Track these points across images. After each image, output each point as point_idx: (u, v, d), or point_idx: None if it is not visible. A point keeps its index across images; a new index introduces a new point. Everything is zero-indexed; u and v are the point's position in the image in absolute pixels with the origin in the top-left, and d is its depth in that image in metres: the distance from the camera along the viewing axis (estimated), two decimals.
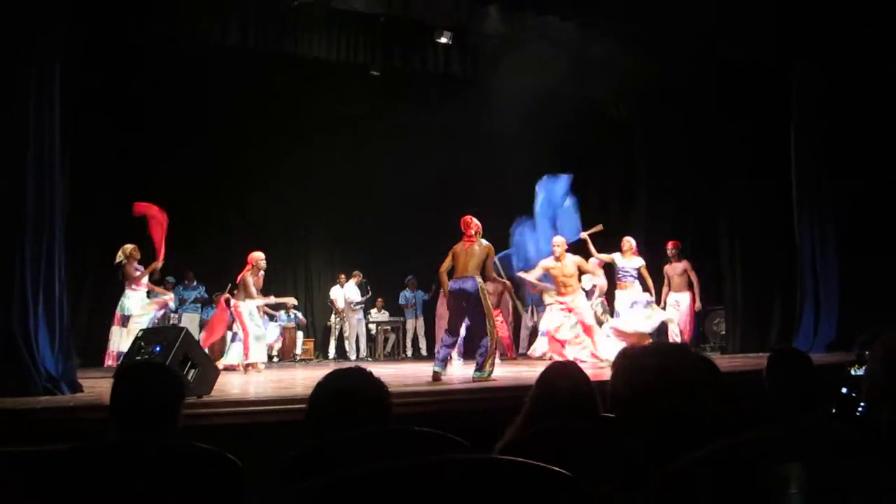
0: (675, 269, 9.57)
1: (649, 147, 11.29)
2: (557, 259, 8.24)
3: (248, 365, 8.60)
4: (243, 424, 4.63)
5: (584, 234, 9.17)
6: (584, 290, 9.21)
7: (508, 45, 9.37)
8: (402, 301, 12.87)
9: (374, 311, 12.74)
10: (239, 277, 8.87)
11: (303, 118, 11.56)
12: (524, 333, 12.42)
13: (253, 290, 8.75)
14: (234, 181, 11.78)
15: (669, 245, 9.78)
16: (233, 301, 8.87)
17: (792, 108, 9.39)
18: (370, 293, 12.39)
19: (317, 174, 12.30)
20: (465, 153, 12.25)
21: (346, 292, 12.27)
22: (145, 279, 8.67)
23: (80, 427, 4.27)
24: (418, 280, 12.86)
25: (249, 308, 8.71)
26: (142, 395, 2.22)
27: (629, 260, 8.87)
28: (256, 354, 8.75)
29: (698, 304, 9.69)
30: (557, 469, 1.29)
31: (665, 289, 9.63)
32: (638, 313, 8.64)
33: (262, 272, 8.98)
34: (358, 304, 12.16)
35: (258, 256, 8.91)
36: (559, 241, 8.30)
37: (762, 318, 9.83)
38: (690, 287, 9.65)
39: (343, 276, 12.48)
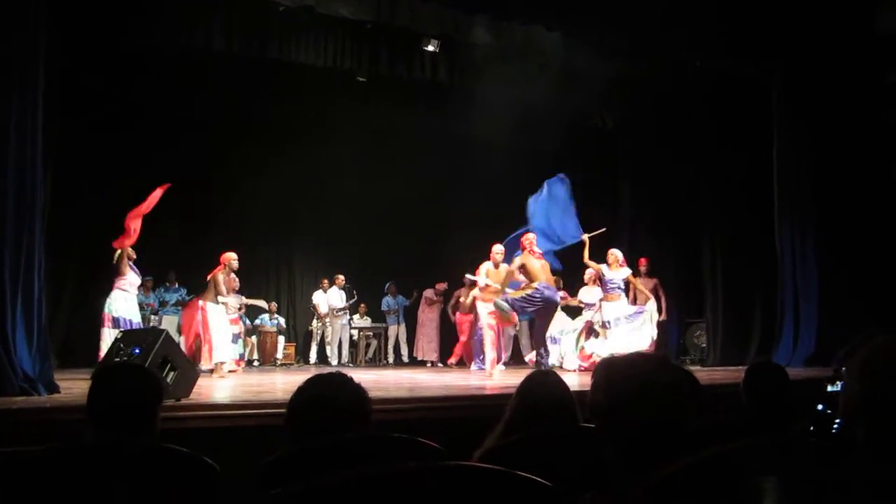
0: (646, 285, 9.61)
1: (632, 157, 11.36)
2: (496, 266, 8.62)
3: (217, 365, 8.52)
4: (222, 428, 4.60)
5: (585, 237, 9.19)
6: (585, 303, 9.56)
7: (495, 54, 9.42)
8: (384, 307, 12.85)
9: (356, 316, 12.71)
10: (209, 276, 8.81)
11: (288, 124, 11.54)
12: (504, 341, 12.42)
13: (223, 289, 8.70)
14: (218, 185, 11.72)
15: (642, 262, 9.94)
16: (200, 301, 8.80)
17: (773, 119, 9.49)
18: (355, 298, 12.36)
19: (301, 179, 12.28)
20: (450, 160, 12.28)
21: (329, 297, 12.23)
22: (138, 280, 8.55)
23: (57, 428, 4.22)
24: (400, 286, 12.85)
25: (217, 309, 8.66)
26: (119, 397, 2.20)
27: (616, 272, 8.90)
28: (222, 355, 8.66)
29: (663, 315, 9.69)
30: (535, 478, 1.30)
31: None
32: (623, 329, 8.69)
33: (233, 273, 8.95)
34: (340, 309, 12.13)
35: (230, 256, 8.86)
36: (499, 249, 8.72)
37: (742, 331, 9.93)
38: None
39: (326, 281, 12.46)
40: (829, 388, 3.64)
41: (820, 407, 2.01)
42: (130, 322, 8.27)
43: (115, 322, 8.21)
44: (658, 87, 10.20)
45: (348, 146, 12.03)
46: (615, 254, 8.95)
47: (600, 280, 9.18)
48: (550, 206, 9.32)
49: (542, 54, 9.29)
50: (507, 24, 8.98)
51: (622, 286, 8.90)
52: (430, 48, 9.34)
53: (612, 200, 11.77)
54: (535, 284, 8.39)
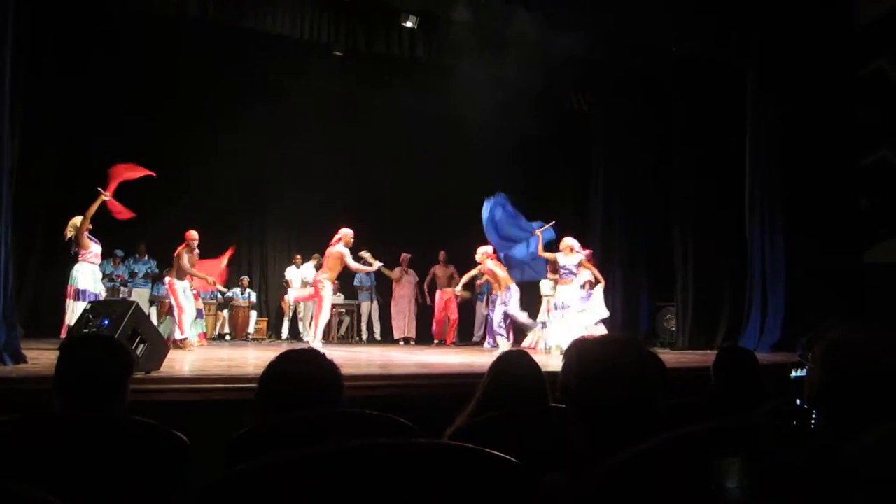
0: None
1: (606, 141, 11.41)
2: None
3: (180, 341, 8.60)
4: (192, 402, 4.59)
5: (537, 231, 9.62)
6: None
7: (473, 32, 9.37)
8: (356, 283, 12.80)
9: None
10: (175, 253, 9.09)
11: (263, 96, 11.38)
12: (478, 320, 12.53)
13: (187, 265, 8.96)
14: (190, 155, 11.52)
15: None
16: (167, 278, 9.16)
17: (747, 106, 9.58)
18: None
19: (276, 152, 12.16)
20: (426, 138, 12.22)
21: (302, 273, 12.17)
22: (98, 249, 8.50)
23: (23, 399, 4.17)
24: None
25: (184, 285, 8.96)
26: (88, 369, 2.17)
27: (569, 257, 9.21)
28: (189, 331, 8.93)
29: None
30: (504, 456, 1.31)
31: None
32: (575, 310, 9.10)
33: (196, 251, 9.19)
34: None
35: (193, 235, 9.15)
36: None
37: (711, 316, 10.06)
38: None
39: (299, 256, 12.39)
40: (794, 374, 3.72)
41: (798, 402, 2.06)
42: (95, 295, 8.22)
43: (79, 294, 8.16)
44: (634, 71, 10.24)
45: (324, 121, 11.92)
46: (567, 241, 9.31)
47: (555, 267, 9.60)
48: (499, 223, 9.79)
49: (521, 34, 9.25)
50: (486, 2, 8.93)
51: (575, 271, 9.21)
52: (409, 24, 9.27)
53: (586, 184, 11.83)
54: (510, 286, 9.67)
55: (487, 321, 10.93)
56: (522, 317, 9.80)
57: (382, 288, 12.79)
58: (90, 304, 6.30)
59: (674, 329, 10.59)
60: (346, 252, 8.94)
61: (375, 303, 12.81)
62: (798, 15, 9.04)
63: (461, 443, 1.37)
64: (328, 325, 12.51)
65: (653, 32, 8.96)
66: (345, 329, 12.83)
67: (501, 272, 9.72)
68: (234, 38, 9.76)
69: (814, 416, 1.83)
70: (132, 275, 11.30)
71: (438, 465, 1.27)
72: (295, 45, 9.61)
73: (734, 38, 9.22)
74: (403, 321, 12.27)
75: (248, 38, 9.59)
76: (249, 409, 2.15)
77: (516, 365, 2.67)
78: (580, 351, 1.66)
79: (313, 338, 8.90)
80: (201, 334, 9.91)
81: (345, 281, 12.85)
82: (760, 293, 9.38)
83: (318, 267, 12.16)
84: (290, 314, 12.46)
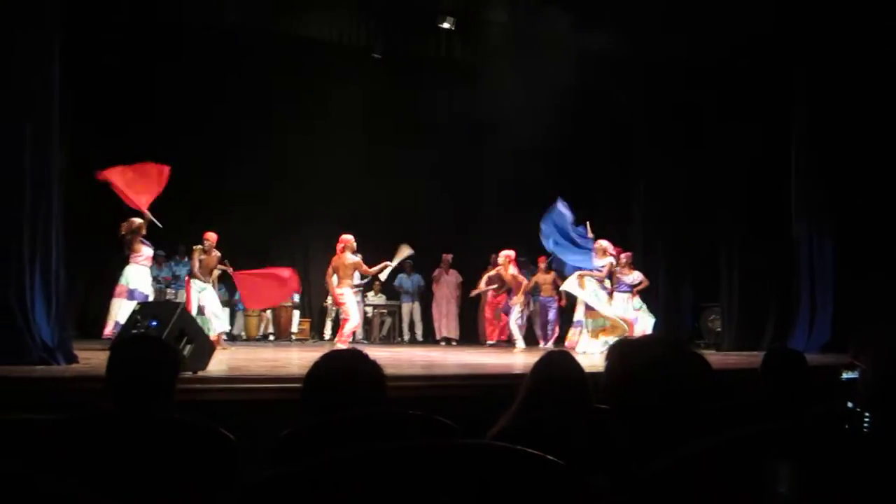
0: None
1: (647, 139, 11.24)
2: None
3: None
4: (238, 401, 4.65)
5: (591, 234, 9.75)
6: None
7: (510, 33, 9.34)
8: (396, 283, 12.86)
9: (370, 294, 12.73)
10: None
11: (303, 99, 11.51)
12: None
13: (196, 266, 9.25)
14: (232, 159, 11.73)
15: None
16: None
17: (794, 104, 9.37)
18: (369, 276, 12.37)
19: (318, 156, 12.25)
20: (464, 139, 12.24)
21: None
22: (150, 252, 8.73)
23: (75, 398, 4.28)
24: (416, 264, 12.87)
25: (200, 286, 9.23)
26: (138, 369, 2.22)
27: (600, 260, 9.46)
28: (218, 327, 9.17)
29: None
30: (548, 457, 1.30)
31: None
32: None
33: (216, 253, 9.45)
34: (356, 286, 12.16)
35: (210, 236, 9.40)
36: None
37: (758, 317, 9.84)
38: None
39: None
40: (845, 376, 3.62)
41: (850, 404, 2.00)
42: (145, 296, 8.41)
43: (131, 294, 8.36)
44: (675, 68, 10.09)
45: (362, 123, 12.00)
46: (601, 244, 9.53)
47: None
48: (559, 228, 9.76)
49: (559, 34, 9.19)
50: (523, 2, 8.90)
51: (605, 273, 9.50)
52: (446, 25, 9.28)
53: (627, 184, 11.70)
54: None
55: (546, 320, 11.12)
56: (516, 328, 10.15)
57: (424, 291, 12.84)
58: (138, 305, 6.44)
59: (719, 330, 10.41)
60: (358, 258, 9.20)
61: (417, 304, 12.84)
62: (848, 12, 8.81)
63: (504, 443, 1.37)
64: (370, 325, 12.61)
65: (694, 33, 8.83)
66: (386, 330, 12.90)
67: (521, 278, 10.04)
68: (274, 46, 9.90)
69: (867, 418, 1.79)
70: (175, 277, 11.51)
71: (482, 466, 1.27)
72: (333, 50, 9.70)
73: (780, 38, 9.02)
74: (444, 322, 12.28)
75: (288, 44, 9.71)
76: (294, 408, 2.17)
77: (559, 365, 2.65)
78: (623, 351, 1.64)
79: (337, 339, 9.04)
80: (218, 335, 9.94)
81: (388, 281, 12.92)
82: (809, 293, 9.18)
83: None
84: (333, 314, 12.55)
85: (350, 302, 9.10)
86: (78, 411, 2.30)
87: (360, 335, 12.31)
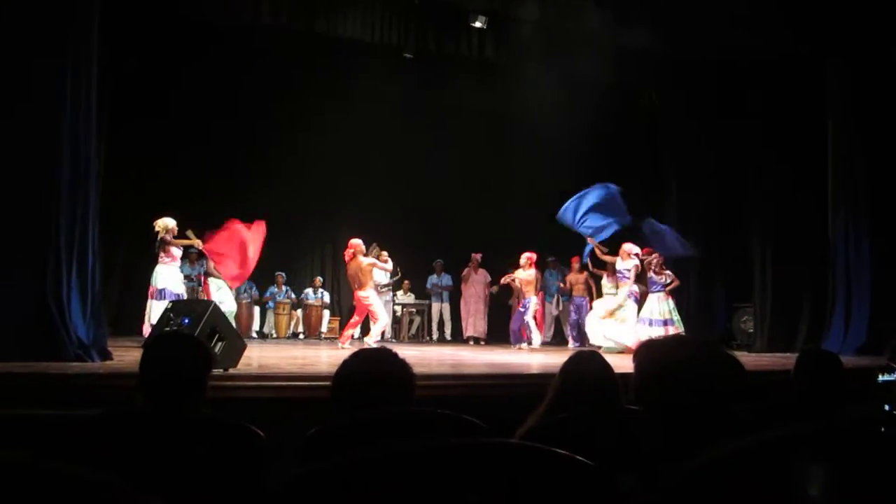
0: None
1: (679, 137, 11.11)
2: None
3: None
4: (267, 399, 4.69)
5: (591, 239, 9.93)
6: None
7: (543, 30, 9.30)
8: (428, 285, 12.89)
9: (400, 293, 12.77)
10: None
11: (335, 100, 11.57)
12: (548, 321, 12.47)
13: (211, 265, 9.44)
14: (265, 159, 11.85)
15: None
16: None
17: (829, 103, 9.21)
18: (399, 275, 12.43)
19: (347, 155, 12.33)
20: (497, 137, 12.22)
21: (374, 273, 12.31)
22: (179, 253, 8.81)
23: (110, 394, 4.35)
24: (447, 264, 12.89)
25: (217, 284, 9.54)
26: (170, 366, 2.25)
27: (625, 262, 9.77)
28: None
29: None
30: (576, 457, 1.30)
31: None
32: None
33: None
34: (385, 286, 12.22)
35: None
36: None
37: (791, 317, 9.69)
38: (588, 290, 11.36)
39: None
40: (882, 378, 3.55)
41: (888, 407, 1.97)
42: (176, 295, 8.51)
43: (161, 294, 8.47)
44: (706, 66, 9.97)
45: (395, 122, 12.04)
46: (626, 248, 9.78)
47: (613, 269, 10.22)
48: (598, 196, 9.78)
49: (590, 31, 9.13)
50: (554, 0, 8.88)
51: (628, 275, 9.73)
52: (478, 24, 9.26)
53: (658, 183, 11.59)
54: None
55: (577, 319, 11.21)
56: (533, 324, 10.21)
57: (453, 290, 12.86)
58: (171, 304, 6.53)
59: (751, 331, 10.28)
60: (373, 260, 9.37)
61: (447, 303, 12.86)
62: (885, 9, 8.63)
63: (533, 443, 1.36)
64: (399, 324, 12.65)
65: (725, 28, 8.71)
66: (415, 329, 12.93)
67: (534, 280, 10.22)
68: (307, 46, 9.95)
69: None
70: (208, 275, 11.64)
71: (510, 466, 1.26)
72: (365, 48, 9.73)
73: (815, 30, 8.87)
74: (472, 321, 12.28)
75: (319, 44, 9.76)
76: (323, 406, 2.19)
77: (587, 365, 2.64)
78: (652, 352, 1.63)
79: (370, 340, 9.16)
80: None
81: (417, 281, 12.97)
82: (845, 293, 9.01)
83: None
84: None
85: (376, 303, 9.18)
86: (112, 407, 2.33)
87: (388, 334, 12.36)
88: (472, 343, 11.96)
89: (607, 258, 10.15)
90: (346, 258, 9.34)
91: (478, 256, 12.34)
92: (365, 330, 12.52)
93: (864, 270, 8.91)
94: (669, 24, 8.79)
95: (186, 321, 5.51)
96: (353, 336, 9.52)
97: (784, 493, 1.22)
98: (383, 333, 12.25)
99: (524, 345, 10.16)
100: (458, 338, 12.50)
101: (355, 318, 9.57)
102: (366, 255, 9.32)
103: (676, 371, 1.54)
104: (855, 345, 8.64)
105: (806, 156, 9.52)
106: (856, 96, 9.04)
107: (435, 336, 12.82)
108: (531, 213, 11.52)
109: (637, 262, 9.66)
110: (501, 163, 12.40)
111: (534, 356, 8.83)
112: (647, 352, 1.65)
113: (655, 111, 11.54)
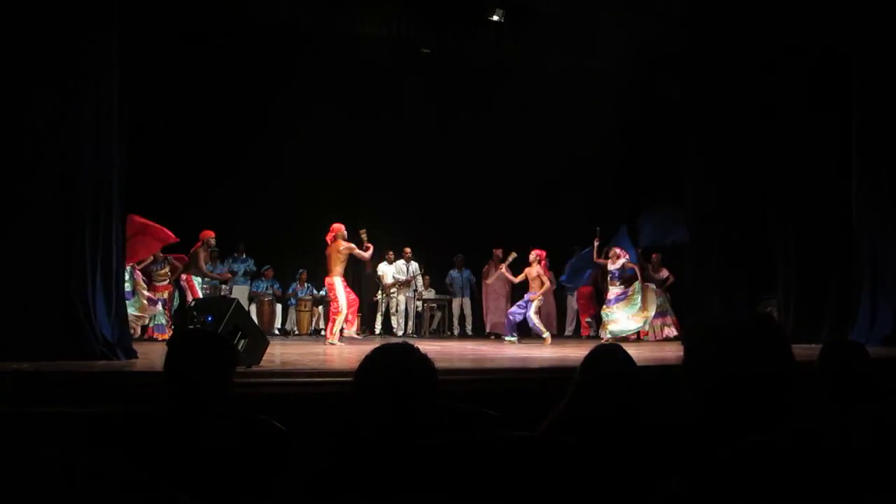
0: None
1: (699, 128, 10.99)
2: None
3: None
4: (290, 395, 4.72)
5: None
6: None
7: (560, 23, 9.25)
8: (449, 280, 12.89)
9: (421, 288, 12.79)
10: (192, 250, 9.73)
11: (354, 96, 11.60)
12: (569, 315, 12.45)
13: (202, 264, 9.64)
14: (283, 157, 11.89)
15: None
16: (183, 275, 9.75)
17: (852, 90, 9.07)
18: (421, 271, 12.46)
19: (366, 151, 12.35)
20: (516, 132, 12.17)
21: (394, 269, 12.35)
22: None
23: (135, 392, 4.40)
24: (467, 259, 12.88)
25: (199, 281, 9.63)
26: (194, 363, 2.27)
27: (615, 265, 10.54)
28: None
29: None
30: (598, 450, 1.29)
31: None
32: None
33: (211, 249, 9.99)
34: (403, 283, 12.25)
35: (208, 234, 9.74)
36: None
37: (816, 307, 9.56)
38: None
39: (392, 253, 12.54)
40: None
41: None
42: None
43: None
44: (727, 56, 9.86)
45: (415, 117, 12.04)
46: (615, 251, 10.55)
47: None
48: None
49: (608, 22, 9.07)
50: None
51: (618, 275, 10.56)
52: (496, 18, 9.24)
53: (679, 174, 11.49)
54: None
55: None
56: (537, 321, 10.25)
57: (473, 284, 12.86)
58: (194, 302, 6.58)
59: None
60: (351, 245, 9.12)
61: (468, 298, 12.85)
62: None
63: (554, 436, 1.36)
64: (420, 319, 12.67)
65: (745, 18, 8.63)
66: (437, 324, 12.94)
67: (545, 279, 10.42)
68: (324, 42, 9.98)
69: None
70: (232, 274, 11.75)
71: (534, 459, 1.26)
72: (383, 44, 9.74)
73: (839, 17, 8.73)
74: (492, 316, 12.28)
75: (337, 40, 9.78)
76: (346, 401, 2.19)
77: (608, 359, 2.62)
78: (705, 334, 1.63)
79: (329, 334, 9.00)
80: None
81: (437, 276, 12.98)
82: (871, 283, 8.87)
83: (409, 261, 12.37)
84: (383, 309, 12.64)
85: (340, 293, 8.94)
86: (137, 405, 2.36)
87: (410, 329, 12.39)
88: (493, 338, 11.95)
89: (600, 261, 10.82)
90: (328, 240, 9.21)
91: (499, 252, 12.31)
92: (368, 322, 12.58)
93: (892, 259, 8.76)
94: (691, 13, 8.71)
95: (210, 319, 5.56)
96: (343, 331, 9.27)
97: (824, 481, 1.21)
98: (406, 329, 12.31)
99: (511, 338, 10.32)
100: (480, 333, 12.50)
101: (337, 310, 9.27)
102: (347, 239, 9.12)
103: (732, 351, 1.54)
104: (882, 335, 8.51)
105: (831, 143, 9.38)
106: (881, 80, 8.87)
107: (456, 331, 12.83)
108: (552, 208, 11.50)
109: (625, 260, 10.52)
110: (523, 158, 12.34)
111: (556, 351, 8.80)
112: (699, 334, 1.65)
113: (675, 103, 11.44)
